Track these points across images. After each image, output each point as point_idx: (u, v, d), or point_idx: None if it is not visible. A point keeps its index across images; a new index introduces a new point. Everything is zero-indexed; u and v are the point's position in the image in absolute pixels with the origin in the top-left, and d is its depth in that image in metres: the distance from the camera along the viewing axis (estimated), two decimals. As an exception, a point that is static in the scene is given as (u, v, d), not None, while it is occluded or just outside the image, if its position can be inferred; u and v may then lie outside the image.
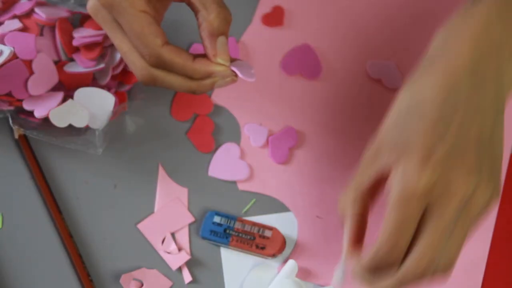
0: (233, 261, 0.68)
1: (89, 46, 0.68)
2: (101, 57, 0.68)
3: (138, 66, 0.59)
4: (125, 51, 0.59)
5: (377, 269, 0.55)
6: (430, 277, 0.54)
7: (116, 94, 0.69)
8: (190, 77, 0.59)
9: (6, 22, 0.68)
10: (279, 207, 0.69)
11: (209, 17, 0.58)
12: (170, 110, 0.73)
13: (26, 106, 0.67)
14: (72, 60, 0.69)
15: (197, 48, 0.74)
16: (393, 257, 0.54)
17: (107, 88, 0.69)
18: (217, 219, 0.68)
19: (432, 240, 0.53)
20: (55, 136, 0.69)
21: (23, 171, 0.70)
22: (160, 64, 0.58)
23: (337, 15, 0.76)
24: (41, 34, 0.68)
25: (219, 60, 0.59)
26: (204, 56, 0.60)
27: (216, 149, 0.71)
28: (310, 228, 0.69)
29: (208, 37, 0.59)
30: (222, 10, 0.58)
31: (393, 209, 0.53)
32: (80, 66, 0.68)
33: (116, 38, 0.60)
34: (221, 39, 0.59)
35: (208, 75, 0.59)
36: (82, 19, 0.70)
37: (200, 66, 0.59)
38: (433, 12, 0.76)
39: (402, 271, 0.54)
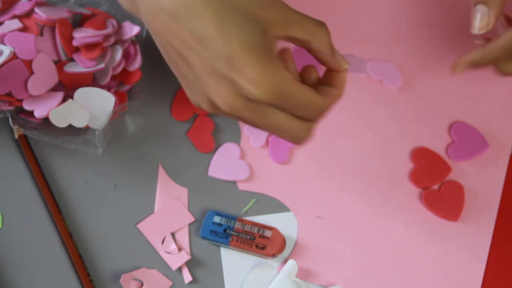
0: (233, 261, 0.68)
1: (89, 46, 0.68)
2: (101, 57, 0.68)
3: (305, 130, 0.59)
4: (283, 124, 0.58)
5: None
6: None
7: (116, 94, 0.69)
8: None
9: (6, 22, 0.67)
10: (279, 207, 0.69)
11: (320, 38, 0.59)
12: (170, 110, 0.73)
13: (26, 106, 0.67)
14: (72, 60, 0.69)
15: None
16: None
17: (107, 88, 0.69)
18: (217, 219, 0.68)
19: None
20: (55, 136, 0.69)
21: (23, 171, 0.70)
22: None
23: (337, 15, 0.76)
24: (41, 34, 0.68)
25: (346, 66, 0.61)
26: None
27: (216, 149, 0.71)
28: (310, 228, 0.69)
29: (330, 56, 0.60)
30: (322, 27, 0.59)
31: None
32: (80, 66, 0.68)
33: (269, 120, 0.58)
34: (335, 51, 0.60)
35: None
36: (82, 19, 0.70)
37: (341, 88, 0.60)
38: (433, 12, 0.76)
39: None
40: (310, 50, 0.59)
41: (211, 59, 0.55)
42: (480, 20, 0.63)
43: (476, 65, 0.65)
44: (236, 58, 0.55)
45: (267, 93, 0.55)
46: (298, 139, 0.60)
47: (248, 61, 0.55)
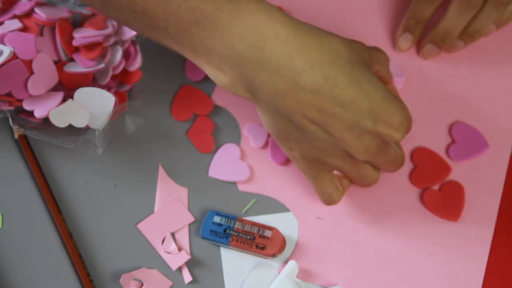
0: (233, 261, 0.67)
1: (89, 46, 0.68)
2: (101, 57, 0.69)
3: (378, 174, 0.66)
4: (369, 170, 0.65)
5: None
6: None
7: (116, 94, 0.70)
8: None
9: (6, 22, 0.68)
10: (279, 207, 0.69)
11: (387, 63, 0.64)
12: (170, 110, 0.73)
13: (26, 106, 0.67)
14: (72, 60, 0.69)
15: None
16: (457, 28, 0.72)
17: (107, 88, 0.69)
18: (217, 219, 0.68)
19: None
20: (55, 136, 0.69)
21: (23, 171, 0.70)
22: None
23: (336, 15, 0.77)
24: (41, 34, 0.68)
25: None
26: None
27: (216, 149, 0.71)
28: (310, 229, 0.69)
29: (388, 71, 0.64)
30: (384, 53, 0.64)
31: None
32: (80, 66, 0.68)
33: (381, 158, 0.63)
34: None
35: None
36: (82, 19, 0.70)
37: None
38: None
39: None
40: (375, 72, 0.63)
41: (355, 118, 0.58)
42: (405, 43, 0.74)
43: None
44: (378, 111, 0.58)
45: (406, 132, 0.60)
46: (371, 183, 0.66)
47: (389, 110, 0.58)
